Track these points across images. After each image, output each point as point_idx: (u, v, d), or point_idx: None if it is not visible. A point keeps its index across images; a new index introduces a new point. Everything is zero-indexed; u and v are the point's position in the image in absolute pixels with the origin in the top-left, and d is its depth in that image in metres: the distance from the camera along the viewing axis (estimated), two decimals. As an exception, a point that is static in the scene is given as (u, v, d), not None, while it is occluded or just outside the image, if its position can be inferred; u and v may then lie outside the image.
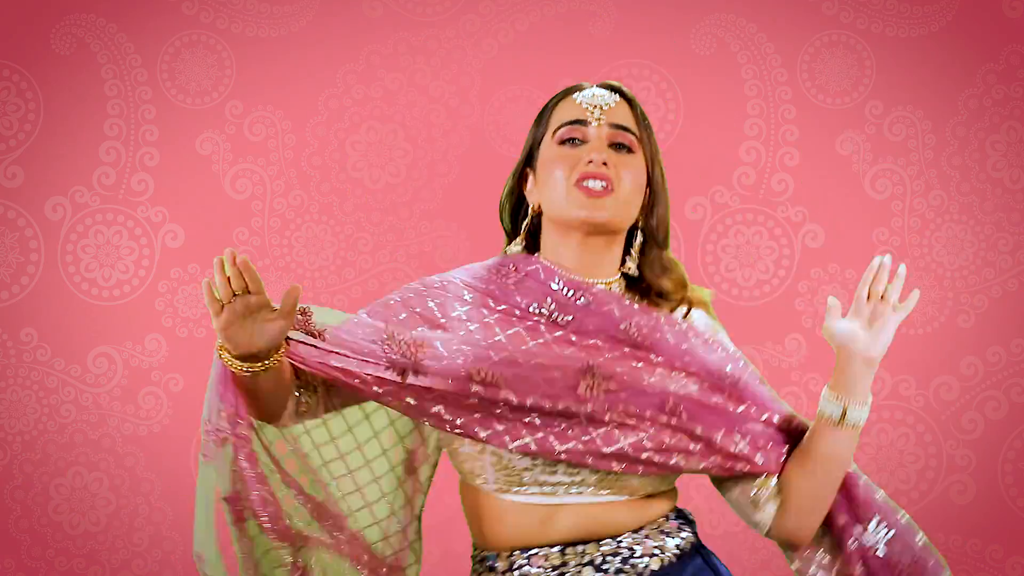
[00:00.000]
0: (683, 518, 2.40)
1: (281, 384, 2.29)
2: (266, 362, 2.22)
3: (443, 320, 2.33)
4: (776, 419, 2.35)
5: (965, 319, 3.97)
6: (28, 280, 3.97)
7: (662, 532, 2.35)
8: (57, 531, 3.97)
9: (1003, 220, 3.97)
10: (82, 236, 3.97)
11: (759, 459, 2.31)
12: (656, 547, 2.32)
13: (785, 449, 2.35)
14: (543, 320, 2.30)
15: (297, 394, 2.34)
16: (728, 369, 2.32)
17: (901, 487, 3.98)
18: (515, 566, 2.30)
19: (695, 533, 2.40)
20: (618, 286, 2.39)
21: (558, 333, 2.29)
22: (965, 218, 3.97)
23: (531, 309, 2.31)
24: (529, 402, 2.23)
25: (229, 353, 2.21)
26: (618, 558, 2.30)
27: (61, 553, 3.97)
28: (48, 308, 3.97)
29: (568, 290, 2.31)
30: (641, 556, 2.31)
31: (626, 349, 2.28)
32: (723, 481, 2.38)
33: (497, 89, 3.96)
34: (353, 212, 3.99)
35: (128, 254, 3.98)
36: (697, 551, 2.38)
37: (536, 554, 2.30)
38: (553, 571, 2.29)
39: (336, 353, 2.27)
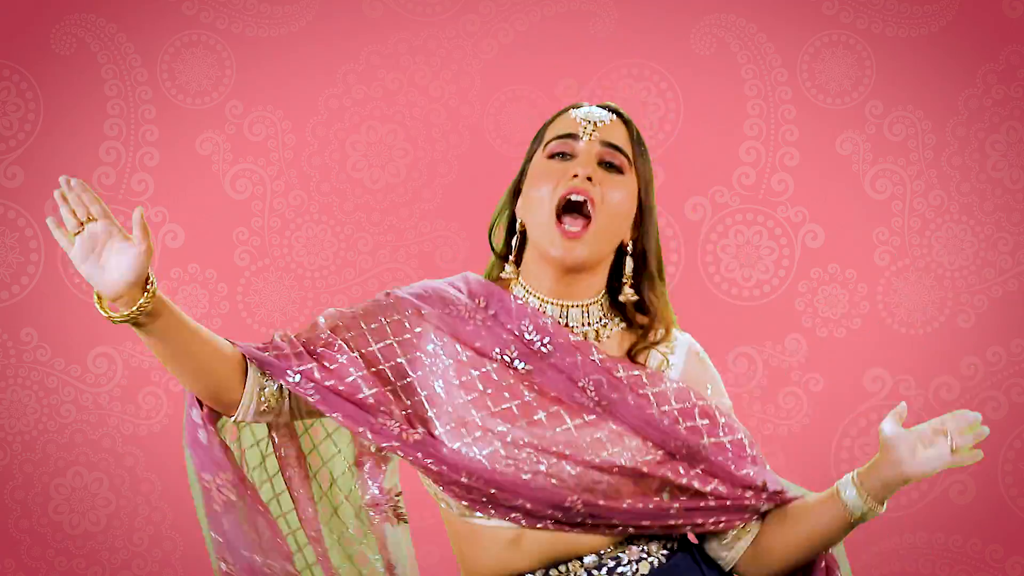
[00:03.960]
0: None
1: (193, 343, 2.18)
2: (138, 302, 2.10)
3: (418, 354, 2.28)
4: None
5: (965, 319, 3.97)
6: (28, 280, 3.97)
7: (648, 535, 2.30)
8: (57, 531, 3.97)
9: (1003, 220, 3.97)
10: (82, 236, 3.97)
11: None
12: (642, 551, 2.28)
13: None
14: (507, 365, 2.26)
15: (259, 388, 2.27)
16: (702, 442, 2.26)
17: (901, 487, 3.97)
18: None
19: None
20: (598, 307, 2.33)
21: (522, 384, 2.25)
22: (965, 218, 3.97)
23: (494, 353, 2.26)
24: (516, 504, 2.22)
25: (100, 301, 2.12)
26: (604, 570, 2.25)
27: (61, 553, 3.97)
28: (48, 308, 3.97)
29: (536, 333, 2.27)
30: (628, 563, 2.26)
31: (584, 416, 2.24)
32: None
33: (497, 89, 3.96)
34: (353, 212, 3.99)
35: (128, 254, 3.98)
36: (686, 548, 2.33)
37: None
38: None
39: (338, 395, 2.24)
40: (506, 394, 2.24)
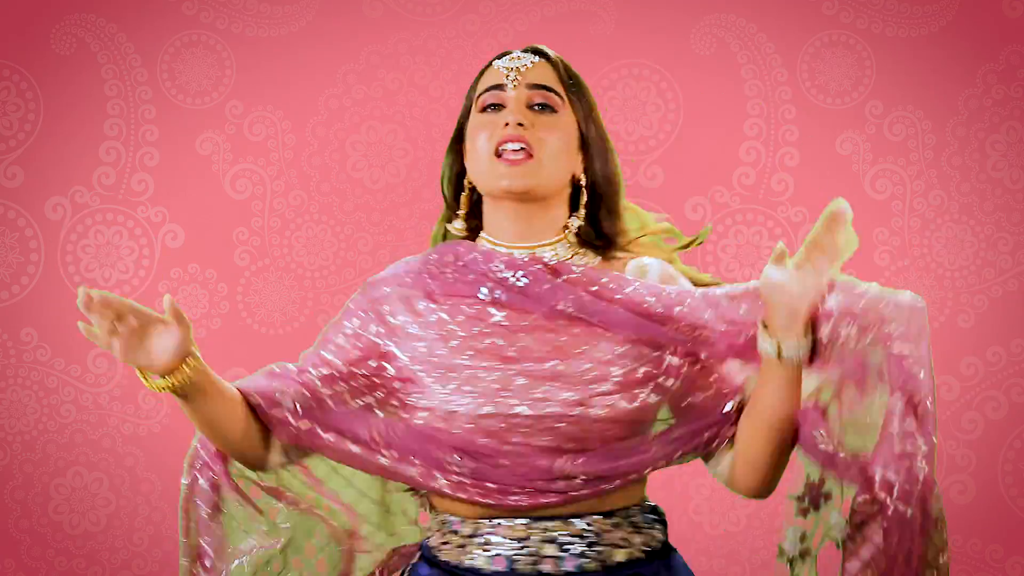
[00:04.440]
0: (655, 513, 2.33)
1: (228, 408, 2.31)
2: (182, 371, 2.23)
3: (396, 338, 2.33)
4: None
5: (965, 319, 3.97)
6: (28, 280, 3.97)
7: (632, 524, 2.29)
8: (57, 531, 3.97)
9: (1003, 220, 3.97)
10: (82, 236, 3.97)
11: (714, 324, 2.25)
12: (623, 539, 2.27)
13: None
14: (487, 305, 2.28)
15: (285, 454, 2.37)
16: (659, 309, 2.26)
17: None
18: (479, 532, 2.26)
19: (665, 531, 2.34)
20: (564, 245, 2.35)
21: (501, 318, 2.27)
22: (965, 218, 3.97)
23: (470, 300, 2.29)
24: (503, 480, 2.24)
25: (150, 381, 2.25)
26: (584, 541, 2.25)
27: (61, 553, 3.97)
28: (48, 308, 3.97)
29: (508, 270, 2.28)
30: (608, 545, 2.26)
31: (566, 334, 2.25)
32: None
33: (497, 89, 3.96)
34: (353, 212, 3.99)
35: (128, 254, 3.98)
36: (667, 552, 2.33)
37: (500, 524, 2.26)
38: (517, 543, 2.25)
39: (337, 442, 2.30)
40: (487, 338, 2.27)
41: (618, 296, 2.26)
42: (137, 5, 3.98)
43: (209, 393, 2.29)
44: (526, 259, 2.29)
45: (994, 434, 3.97)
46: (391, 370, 2.33)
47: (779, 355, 2.16)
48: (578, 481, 2.22)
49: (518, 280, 2.27)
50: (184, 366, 2.24)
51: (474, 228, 2.42)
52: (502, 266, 2.28)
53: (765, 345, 2.17)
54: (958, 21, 3.95)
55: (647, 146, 3.98)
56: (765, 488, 2.27)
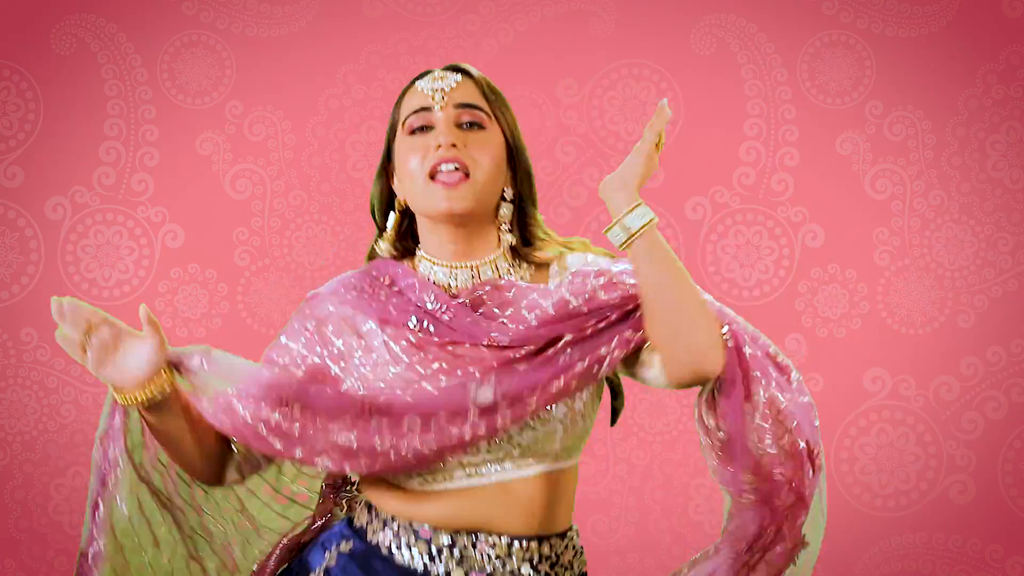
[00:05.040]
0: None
1: (195, 424, 2.28)
2: (155, 383, 2.22)
3: (342, 363, 2.32)
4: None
5: (965, 319, 3.97)
6: (28, 280, 3.97)
7: (574, 548, 2.35)
8: (57, 531, 3.97)
9: (1003, 220, 3.97)
10: (82, 236, 3.97)
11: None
12: (571, 561, 2.34)
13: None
14: (422, 331, 2.29)
15: (235, 450, 2.35)
16: (576, 303, 2.26)
17: (901, 487, 3.98)
18: (457, 544, 2.27)
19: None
20: (503, 259, 2.36)
21: (433, 349, 2.28)
22: (965, 218, 3.97)
23: (408, 324, 2.29)
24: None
25: (121, 394, 2.24)
26: (547, 563, 2.30)
27: (61, 553, 3.97)
28: (48, 308, 3.96)
29: (436, 302, 2.29)
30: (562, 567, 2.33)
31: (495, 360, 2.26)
32: (633, 368, 2.31)
33: (497, 89, 3.96)
34: (353, 212, 3.99)
35: (128, 254, 3.98)
36: None
37: (483, 540, 2.28)
38: (498, 559, 2.28)
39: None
40: (426, 357, 2.28)
41: (540, 310, 2.27)
42: (137, 5, 3.98)
43: (176, 410, 2.27)
44: (443, 293, 2.30)
45: (994, 434, 3.97)
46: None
47: (629, 239, 2.20)
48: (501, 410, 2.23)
49: (444, 313, 2.29)
50: (157, 379, 2.24)
51: (402, 249, 2.42)
52: (432, 296, 2.30)
53: (613, 236, 2.21)
54: (958, 21, 3.95)
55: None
56: (696, 357, 2.23)
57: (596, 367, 2.24)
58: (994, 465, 3.96)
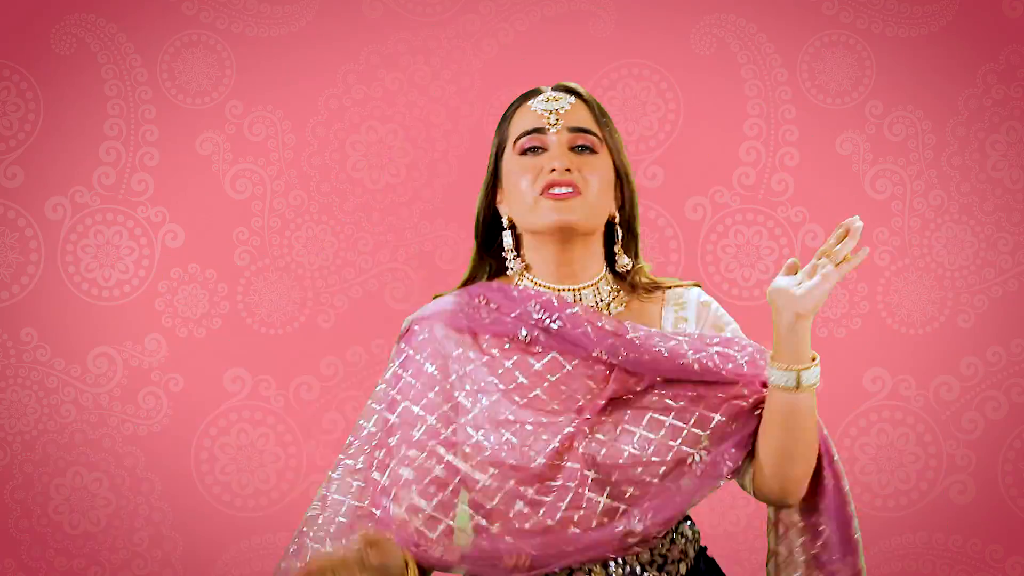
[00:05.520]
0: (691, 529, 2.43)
1: None
2: None
3: (456, 394, 2.31)
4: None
5: (965, 319, 3.97)
6: (28, 280, 3.97)
7: (683, 536, 2.37)
8: (57, 531, 3.97)
9: (1003, 220, 3.97)
10: (82, 236, 3.97)
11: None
12: (683, 550, 2.36)
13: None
14: (523, 349, 2.29)
15: None
16: (690, 359, 2.28)
17: (901, 487, 3.98)
18: None
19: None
20: (605, 283, 2.38)
21: (537, 365, 2.28)
22: (965, 218, 3.97)
23: (506, 342, 2.30)
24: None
25: None
26: (654, 567, 2.32)
27: (61, 553, 3.97)
28: (48, 308, 3.97)
29: (543, 311, 2.30)
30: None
31: (604, 381, 2.28)
32: None
33: (497, 89, 3.96)
34: (353, 212, 3.99)
35: (128, 254, 3.98)
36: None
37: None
38: None
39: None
40: (525, 382, 2.28)
41: (654, 348, 2.29)
42: (137, 5, 3.98)
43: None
44: (557, 300, 2.31)
45: (994, 434, 3.97)
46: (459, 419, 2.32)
47: (799, 386, 2.22)
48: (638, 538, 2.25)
49: (553, 322, 2.28)
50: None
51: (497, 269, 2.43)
52: (537, 306, 2.30)
53: (782, 378, 2.23)
54: (958, 21, 3.95)
55: (647, 146, 3.98)
56: (792, 487, 2.31)
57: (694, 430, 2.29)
58: (994, 465, 3.96)
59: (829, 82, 3.98)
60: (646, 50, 3.99)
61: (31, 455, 3.96)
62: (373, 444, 2.32)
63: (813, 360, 2.23)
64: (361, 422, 2.36)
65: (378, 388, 2.37)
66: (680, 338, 2.31)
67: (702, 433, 2.27)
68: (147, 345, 3.97)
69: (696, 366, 2.28)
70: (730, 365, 2.29)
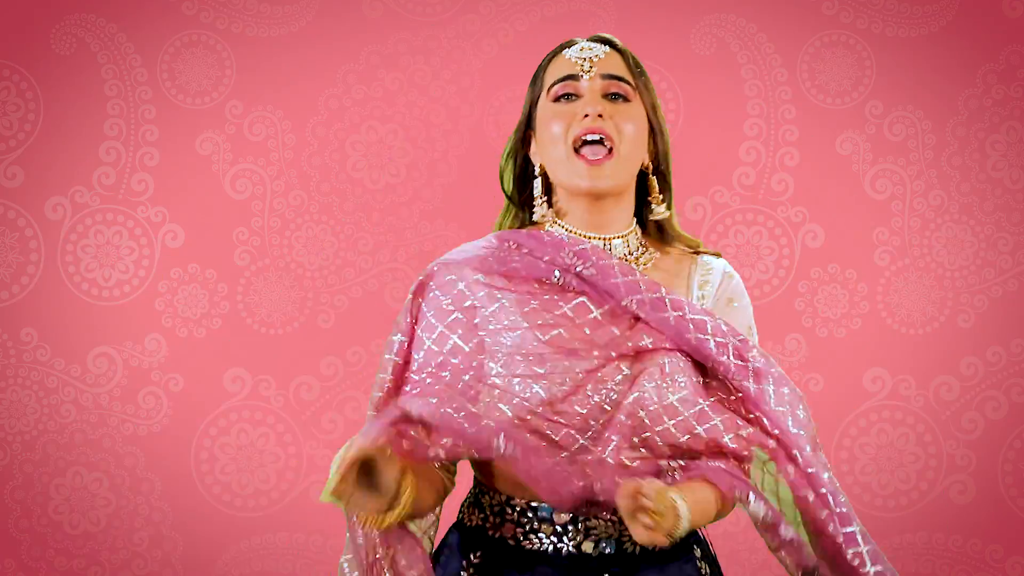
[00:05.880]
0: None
1: (432, 493, 2.27)
2: (400, 504, 2.16)
3: (481, 333, 2.29)
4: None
5: (965, 319, 3.97)
6: (28, 280, 3.97)
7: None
8: (57, 531, 3.97)
9: (1003, 220, 3.97)
10: (82, 236, 3.97)
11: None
12: None
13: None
14: (553, 291, 2.29)
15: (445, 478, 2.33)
16: (720, 357, 2.29)
17: (901, 487, 3.98)
18: (578, 516, 2.26)
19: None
20: (635, 236, 2.38)
21: (566, 308, 2.28)
22: (965, 218, 3.97)
23: (534, 286, 2.30)
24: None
25: (381, 519, 2.18)
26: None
27: (61, 553, 3.97)
28: (48, 308, 3.97)
29: (575, 258, 2.30)
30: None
31: (628, 330, 2.27)
32: None
33: (497, 89, 3.96)
34: (353, 212, 3.99)
35: (128, 254, 3.98)
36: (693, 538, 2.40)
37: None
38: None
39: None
40: (551, 321, 2.27)
41: (678, 313, 2.29)
42: (137, 5, 3.98)
43: (423, 500, 2.23)
44: (592, 250, 2.31)
45: (994, 434, 3.97)
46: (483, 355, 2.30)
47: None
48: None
49: (587, 269, 2.28)
50: (405, 487, 2.16)
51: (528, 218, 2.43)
52: (570, 253, 2.30)
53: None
54: (958, 21, 3.95)
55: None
56: None
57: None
58: (994, 465, 3.96)
59: (829, 82, 3.98)
60: (646, 50, 3.97)
61: (31, 455, 3.97)
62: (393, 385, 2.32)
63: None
64: (380, 375, 2.34)
65: (393, 338, 2.35)
66: (707, 320, 2.30)
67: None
68: (147, 345, 3.97)
69: (714, 345, 2.29)
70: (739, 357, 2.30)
